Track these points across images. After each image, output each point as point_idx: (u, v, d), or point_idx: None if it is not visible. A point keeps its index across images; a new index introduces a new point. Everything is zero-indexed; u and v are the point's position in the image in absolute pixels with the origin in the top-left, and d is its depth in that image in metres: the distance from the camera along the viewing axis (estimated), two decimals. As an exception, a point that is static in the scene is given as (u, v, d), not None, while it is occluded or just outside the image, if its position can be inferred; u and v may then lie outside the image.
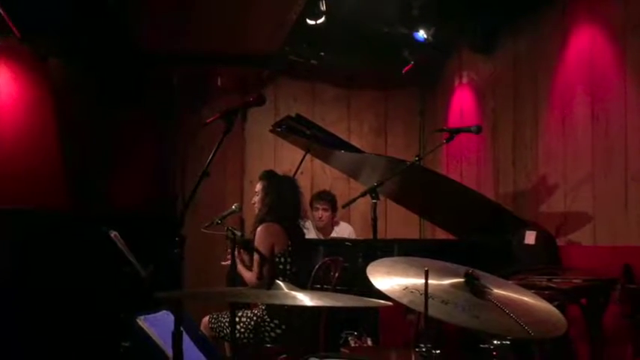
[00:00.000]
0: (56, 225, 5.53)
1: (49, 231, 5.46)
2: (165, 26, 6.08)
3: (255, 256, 4.35)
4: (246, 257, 4.52)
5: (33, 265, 5.28)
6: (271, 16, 5.83)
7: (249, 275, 4.41)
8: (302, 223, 4.77)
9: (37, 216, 5.56)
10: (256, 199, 4.67)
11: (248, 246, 4.33)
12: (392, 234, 6.86)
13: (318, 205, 6.17)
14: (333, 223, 6.27)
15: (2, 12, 5.21)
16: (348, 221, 6.63)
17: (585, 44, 4.75)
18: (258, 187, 4.68)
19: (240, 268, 4.37)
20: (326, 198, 6.21)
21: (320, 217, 6.15)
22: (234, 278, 3.85)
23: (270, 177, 4.69)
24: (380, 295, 2.22)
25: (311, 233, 6.11)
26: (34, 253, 5.33)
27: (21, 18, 5.35)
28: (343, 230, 6.27)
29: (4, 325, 5.06)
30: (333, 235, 6.23)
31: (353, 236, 6.26)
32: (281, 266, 4.40)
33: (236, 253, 3.47)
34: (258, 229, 4.45)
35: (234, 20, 5.98)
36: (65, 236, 5.50)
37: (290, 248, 4.46)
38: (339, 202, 6.10)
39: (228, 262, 4.34)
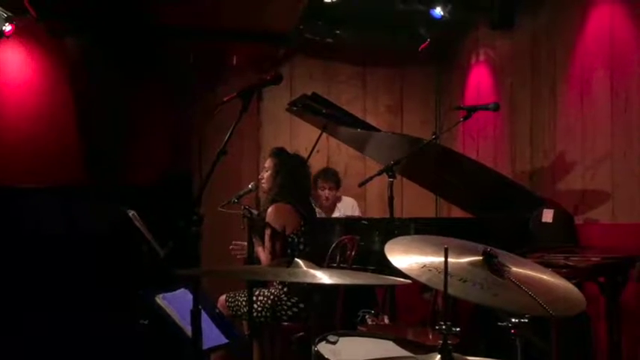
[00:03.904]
0: (73, 202, 5.57)
1: (66, 208, 5.50)
2: (181, 2, 6.04)
3: (268, 232, 4.34)
4: (259, 245, 4.50)
5: (50, 243, 5.32)
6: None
7: (264, 257, 4.41)
8: (313, 202, 4.74)
9: (54, 193, 5.60)
10: (265, 175, 4.65)
11: (263, 225, 4.33)
12: (408, 212, 6.83)
13: (325, 185, 6.08)
14: (335, 200, 6.20)
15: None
16: (364, 199, 6.61)
17: (605, 19, 4.68)
18: (269, 163, 4.65)
19: (258, 250, 4.36)
20: (332, 177, 6.13)
21: (327, 197, 6.08)
22: (252, 258, 3.86)
23: (281, 155, 4.67)
24: (395, 273, 2.21)
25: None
26: (50, 231, 5.37)
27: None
28: (347, 205, 6.20)
29: (21, 302, 5.11)
30: (337, 212, 6.17)
31: (357, 209, 6.22)
32: (294, 246, 4.40)
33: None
34: (270, 209, 4.43)
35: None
36: (82, 214, 5.54)
37: (303, 228, 4.45)
38: (355, 181, 6.07)
39: (244, 255, 4.35)
